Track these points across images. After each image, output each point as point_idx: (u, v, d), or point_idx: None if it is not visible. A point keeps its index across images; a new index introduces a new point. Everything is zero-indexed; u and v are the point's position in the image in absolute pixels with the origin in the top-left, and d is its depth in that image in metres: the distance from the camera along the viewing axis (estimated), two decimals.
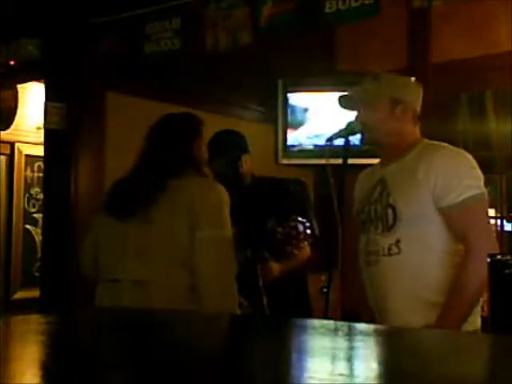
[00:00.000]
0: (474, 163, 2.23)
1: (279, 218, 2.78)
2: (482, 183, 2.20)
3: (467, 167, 2.21)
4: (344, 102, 2.40)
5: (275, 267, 2.80)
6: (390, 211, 2.20)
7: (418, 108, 2.37)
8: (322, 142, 2.78)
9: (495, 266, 1.49)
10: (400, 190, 2.22)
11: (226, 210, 2.37)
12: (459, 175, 2.17)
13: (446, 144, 2.29)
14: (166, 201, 2.34)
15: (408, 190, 2.20)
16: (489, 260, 1.49)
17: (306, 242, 2.57)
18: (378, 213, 2.25)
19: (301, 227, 2.48)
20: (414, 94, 2.39)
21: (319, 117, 4.37)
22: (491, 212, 4.87)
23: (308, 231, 2.50)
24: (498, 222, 4.81)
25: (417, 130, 2.38)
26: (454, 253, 2.17)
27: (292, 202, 2.96)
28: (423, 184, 2.17)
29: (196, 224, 2.32)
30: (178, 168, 2.42)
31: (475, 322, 2.19)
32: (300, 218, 2.51)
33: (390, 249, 2.20)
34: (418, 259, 2.18)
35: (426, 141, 2.32)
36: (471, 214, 2.16)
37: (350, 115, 2.40)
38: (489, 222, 2.35)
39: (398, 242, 2.19)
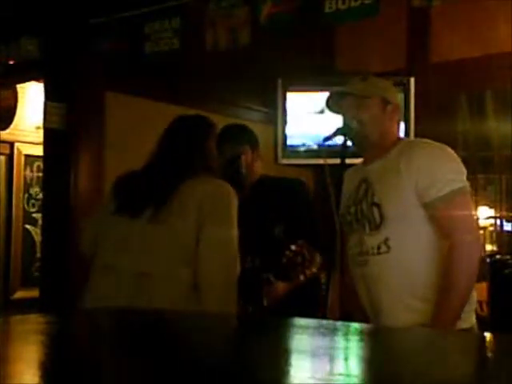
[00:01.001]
0: (456, 157, 2.23)
1: (286, 222, 2.76)
2: (463, 177, 2.19)
3: (448, 161, 2.21)
4: (332, 104, 2.40)
5: (280, 286, 2.75)
6: (375, 210, 2.20)
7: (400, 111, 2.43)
8: (321, 141, 2.79)
9: (495, 266, 1.49)
10: (384, 189, 2.22)
11: (234, 211, 2.37)
12: (440, 170, 2.17)
13: (426, 140, 2.30)
14: (177, 201, 2.35)
15: (391, 187, 2.20)
16: (488, 260, 1.49)
17: (313, 267, 2.53)
18: (364, 212, 2.25)
19: (307, 253, 2.44)
20: (397, 97, 2.44)
21: (319, 116, 4.37)
22: (490, 212, 4.88)
23: (313, 257, 2.46)
24: (498, 221, 4.82)
25: (399, 132, 2.41)
26: (443, 248, 2.17)
27: (300, 206, 2.91)
28: (405, 180, 2.17)
29: (203, 223, 2.33)
30: (190, 170, 2.43)
31: (470, 318, 2.19)
32: (306, 244, 2.47)
33: (379, 248, 2.20)
34: (407, 256, 2.18)
35: (407, 139, 2.35)
36: (453, 209, 2.15)
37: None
38: (472, 216, 2.34)
39: (386, 240, 2.19)
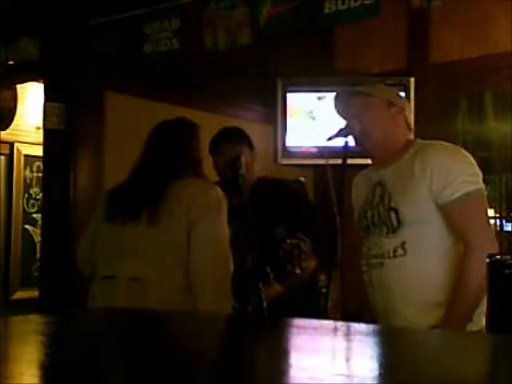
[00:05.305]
0: (471, 159, 2.22)
1: (286, 222, 2.75)
2: (479, 179, 2.19)
3: (462, 163, 2.21)
4: (338, 104, 2.40)
5: (275, 287, 2.74)
6: (392, 214, 2.20)
7: (409, 119, 2.41)
8: (321, 142, 2.77)
9: (494, 266, 1.49)
10: (400, 192, 2.22)
11: (223, 211, 2.40)
12: (454, 172, 2.17)
13: (441, 141, 2.30)
14: (165, 202, 2.37)
15: (408, 191, 2.20)
16: (488, 260, 1.48)
17: (309, 261, 2.51)
18: (381, 216, 2.25)
19: (304, 246, 2.43)
20: (405, 103, 2.45)
21: (319, 116, 4.37)
22: (490, 212, 4.88)
23: (310, 251, 2.45)
24: (498, 222, 4.82)
25: (410, 135, 2.40)
26: (459, 251, 2.17)
27: (300, 206, 2.92)
28: (421, 183, 2.17)
29: (193, 224, 2.34)
30: (176, 171, 2.45)
31: (480, 321, 2.18)
32: (303, 237, 2.46)
33: (395, 251, 2.20)
34: (423, 259, 2.18)
35: (420, 141, 2.34)
36: (468, 211, 2.15)
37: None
38: (487, 219, 2.34)
39: (403, 243, 2.19)
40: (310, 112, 4.45)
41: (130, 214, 2.42)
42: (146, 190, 2.44)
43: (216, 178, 2.90)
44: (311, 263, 2.62)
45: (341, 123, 2.40)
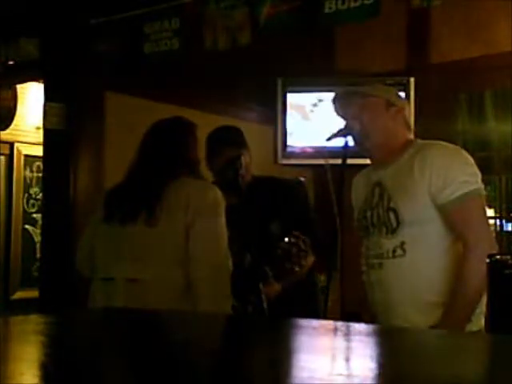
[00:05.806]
0: (470, 159, 2.23)
1: (283, 220, 2.76)
2: (478, 179, 2.19)
3: (462, 163, 2.21)
4: (337, 105, 2.40)
5: (274, 286, 2.75)
6: (392, 215, 2.21)
7: (408, 119, 2.41)
8: (321, 142, 2.77)
9: (494, 266, 1.49)
10: (399, 193, 2.22)
11: (221, 211, 2.40)
12: (453, 172, 2.17)
13: (440, 142, 2.30)
14: (163, 203, 2.38)
15: (407, 191, 2.20)
16: (488, 260, 1.48)
17: (308, 258, 2.52)
18: (380, 217, 2.25)
19: (302, 244, 2.43)
20: (404, 103, 2.45)
21: (318, 117, 4.37)
22: (490, 212, 4.87)
23: (309, 248, 2.45)
24: (498, 222, 4.81)
25: (410, 135, 2.39)
26: (458, 251, 2.17)
27: (296, 203, 2.93)
28: (419, 183, 2.17)
29: (191, 224, 2.34)
30: (174, 171, 2.45)
31: (479, 321, 2.18)
32: (301, 235, 2.46)
33: (394, 251, 2.20)
34: (422, 260, 2.18)
35: (420, 141, 2.34)
36: (467, 212, 2.16)
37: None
38: (487, 219, 2.34)
39: (402, 244, 2.19)
40: (310, 112, 4.45)
41: (128, 214, 2.42)
42: (144, 190, 2.44)
43: (213, 178, 2.89)
44: (310, 259, 2.63)
45: (340, 123, 2.40)
